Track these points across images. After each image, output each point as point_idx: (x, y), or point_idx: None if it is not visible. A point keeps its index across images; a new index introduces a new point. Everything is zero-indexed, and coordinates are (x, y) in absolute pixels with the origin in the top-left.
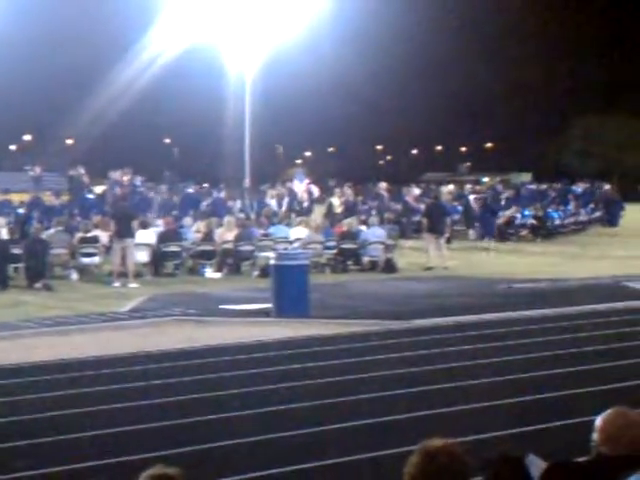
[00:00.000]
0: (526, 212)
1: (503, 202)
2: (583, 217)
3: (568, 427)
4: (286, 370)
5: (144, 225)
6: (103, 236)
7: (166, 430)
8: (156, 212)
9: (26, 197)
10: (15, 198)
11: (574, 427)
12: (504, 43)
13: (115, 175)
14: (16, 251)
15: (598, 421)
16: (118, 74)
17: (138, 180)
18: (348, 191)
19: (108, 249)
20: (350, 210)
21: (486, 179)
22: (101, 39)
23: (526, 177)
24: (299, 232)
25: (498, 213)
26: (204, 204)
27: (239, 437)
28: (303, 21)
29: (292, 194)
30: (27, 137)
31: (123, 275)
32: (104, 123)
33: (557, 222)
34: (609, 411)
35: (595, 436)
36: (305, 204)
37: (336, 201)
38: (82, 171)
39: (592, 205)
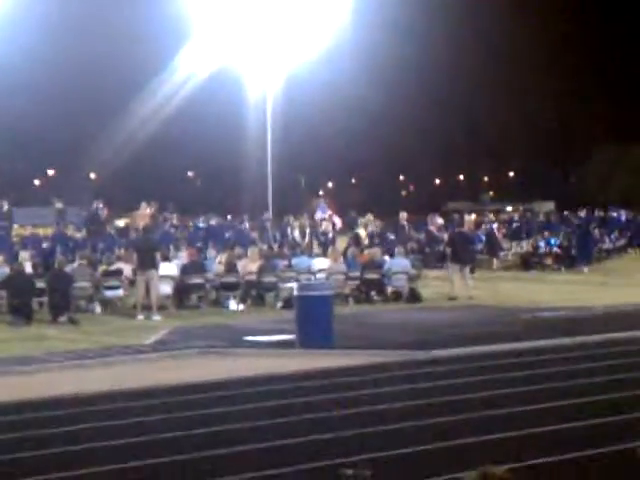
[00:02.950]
0: (552, 241)
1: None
2: (607, 245)
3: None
4: (309, 401)
5: (167, 257)
6: (126, 269)
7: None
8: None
9: (50, 231)
10: (40, 232)
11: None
12: (524, 73)
13: (140, 208)
14: (40, 285)
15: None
16: (138, 108)
17: (173, 217)
18: (376, 221)
19: (132, 282)
20: (381, 240)
21: (509, 208)
22: (119, 74)
23: (549, 206)
24: (321, 263)
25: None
26: (227, 235)
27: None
28: (322, 44)
29: (315, 225)
30: (51, 172)
31: (147, 308)
32: (126, 157)
33: None
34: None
35: None
36: (329, 235)
37: (362, 232)
38: (100, 205)
39: (616, 233)
